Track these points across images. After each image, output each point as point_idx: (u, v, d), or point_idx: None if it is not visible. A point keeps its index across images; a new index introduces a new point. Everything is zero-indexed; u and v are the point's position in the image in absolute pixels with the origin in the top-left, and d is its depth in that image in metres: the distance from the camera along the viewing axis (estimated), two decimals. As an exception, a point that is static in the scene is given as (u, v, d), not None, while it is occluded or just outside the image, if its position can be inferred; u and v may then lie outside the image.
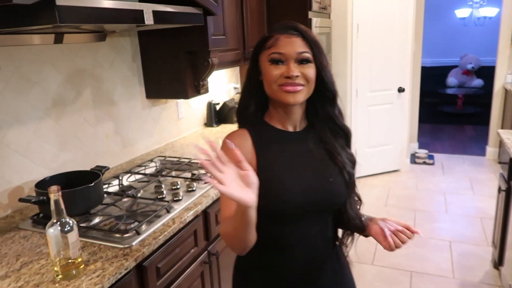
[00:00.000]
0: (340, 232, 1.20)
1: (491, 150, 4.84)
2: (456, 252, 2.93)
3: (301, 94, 1.01)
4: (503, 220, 2.39)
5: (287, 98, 1.01)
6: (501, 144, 2.45)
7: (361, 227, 1.13)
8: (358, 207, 1.16)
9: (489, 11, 6.59)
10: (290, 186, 1.02)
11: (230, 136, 1.07)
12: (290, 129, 1.10)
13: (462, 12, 7.00)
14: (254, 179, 0.84)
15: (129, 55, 2.21)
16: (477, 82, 7.38)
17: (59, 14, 1.16)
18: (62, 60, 1.80)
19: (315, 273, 1.11)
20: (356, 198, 1.16)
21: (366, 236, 1.15)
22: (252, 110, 1.10)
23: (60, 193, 1.11)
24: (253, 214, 0.87)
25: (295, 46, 1.00)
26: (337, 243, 1.19)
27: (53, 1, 1.14)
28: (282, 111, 1.07)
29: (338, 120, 1.09)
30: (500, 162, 2.51)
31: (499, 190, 2.50)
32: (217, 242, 1.83)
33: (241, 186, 0.82)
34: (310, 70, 1.01)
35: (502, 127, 4.58)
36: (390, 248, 1.04)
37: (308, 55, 1.00)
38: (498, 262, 2.52)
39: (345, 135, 1.12)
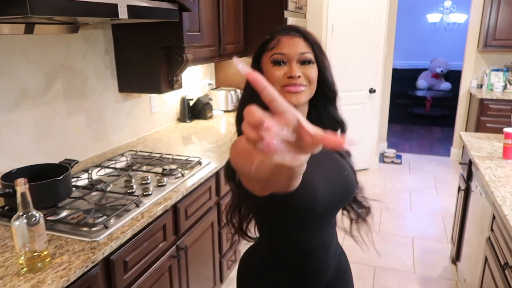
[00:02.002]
0: (346, 224, 1.22)
1: (455, 151, 5.04)
2: (418, 248, 3.06)
3: (303, 94, 1.01)
4: (461, 218, 2.52)
5: (290, 98, 0.98)
6: (463, 145, 2.57)
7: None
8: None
9: (459, 17, 6.82)
10: (319, 185, 0.99)
11: (238, 141, 0.94)
12: None
13: (433, 17, 7.21)
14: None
15: (102, 48, 2.20)
16: (446, 85, 7.64)
17: (31, 4, 1.16)
18: (33, 50, 1.77)
19: (326, 272, 1.12)
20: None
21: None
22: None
23: (27, 185, 1.12)
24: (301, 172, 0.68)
25: (297, 46, 1.00)
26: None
27: (24, -8, 1.13)
28: None
29: (339, 117, 1.11)
30: (461, 163, 2.64)
31: (459, 189, 2.63)
32: (186, 236, 1.85)
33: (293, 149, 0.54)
34: (312, 71, 1.01)
35: (466, 130, 4.78)
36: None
37: (310, 55, 1.01)
38: (456, 258, 2.65)
39: (343, 131, 1.14)
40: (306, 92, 1.01)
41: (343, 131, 1.13)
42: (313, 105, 1.08)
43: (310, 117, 1.10)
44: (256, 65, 1.06)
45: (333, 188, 1.03)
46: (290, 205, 0.95)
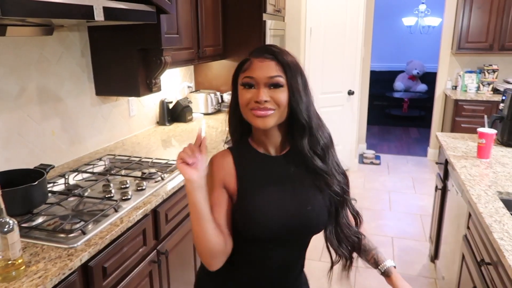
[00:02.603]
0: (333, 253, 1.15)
1: (432, 151, 5.15)
2: (398, 247, 3.11)
3: (271, 118, 0.99)
4: (438, 216, 2.58)
5: (257, 122, 1.00)
6: (440, 146, 2.63)
7: (365, 252, 1.19)
8: (354, 224, 1.17)
9: (433, 21, 7.00)
10: (268, 213, 1.02)
11: (214, 156, 1.10)
12: (272, 152, 1.09)
13: (408, 21, 7.37)
14: (202, 165, 0.95)
15: (78, 51, 2.15)
16: (422, 87, 7.82)
17: (2, 6, 1.12)
18: (5, 53, 1.72)
19: None
20: (352, 215, 1.16)
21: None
22: (237, 133, 1.11)
23: (0, 192, 1.08)
24: (200, 201, 0.94)
25: (267, 70, 0.99)
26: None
27: (-6, -7, 1.10)
28: (261, 134, 1.07)
29: (309, 155, 1.04)
30: (437, 163, 2.70)
31: (436, 188, 2.68)
32: (166, 241, 1.83)
33: (191, 167, 0.93)
34: (281, 95, 0.99)
35: (442, 130, 4.90)
36: None
37: (280, 79, 0.99)
38: (434, 256, 2.70)
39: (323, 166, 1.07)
40: (275, 116, 1.00)
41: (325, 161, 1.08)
42: (290, 131, 1.06)
43: (289, 143, 1.08)
44: (235, 85, 1.06)
45: (288, 223, 1.03)
46: (241, 228, 1.03)
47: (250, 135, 1.11)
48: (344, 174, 1.13)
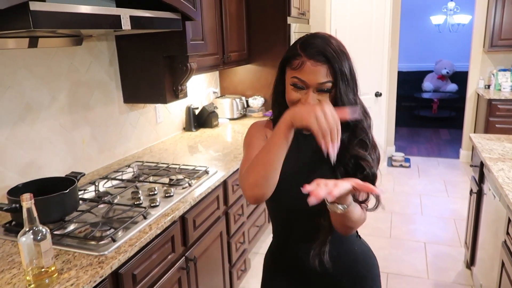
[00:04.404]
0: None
1: (464, 153, 4.98)
2: (431, 253, 3.00)
3: None
4: (474, 221, 2.47)
5: None
6: (473, 147, 2.53)
7: None
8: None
9: (463, 18, 6.78)
10: (286, 189, 1.04)
11: (256, 122, 1.19)
12: (306, 131, 1.04)
13: (437, 19, 7.17)
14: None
15: (106, 60, 2.20)
16: (452, 86, 7.58)
17: (33, 19, 1.15)
18: (37, 64, 1.77)
19: (309, 260, 1.13)
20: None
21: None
22: (276, 108, 1.13)
23: (32, 200, 1.10)
24: (289, 141, 0.93)
25: (318, 76, 0.98)
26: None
27: (27, 6, 1.13)
28: None
29: (346, 146, 1.03)
30: (471, 165, 2.60)
31: (471, 192, 2.58)
32: (195, 247, 1.83)
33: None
34: (329, 98, 1.01)
35: (475, 131, 4.72)
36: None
37: (330, 84, 0.99)
38: (470, 262, 2.59)
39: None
40: None
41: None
42: None
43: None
44: (281, 75, 1.08)
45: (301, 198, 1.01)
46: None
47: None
48: (378, 155, 1.12)
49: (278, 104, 1.12)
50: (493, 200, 2.02)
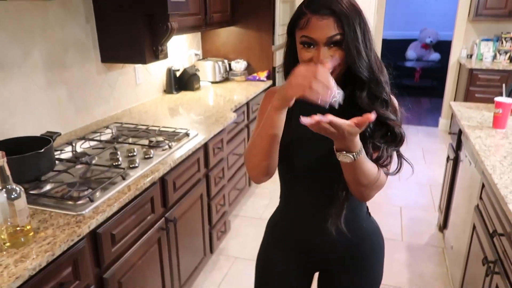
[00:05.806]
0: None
1: (443, 121, 5.06)
2: (406, 216, 3.10)
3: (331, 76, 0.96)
4: (449, 187, 2.54)
5: None
6: (452, 115, 2.56)
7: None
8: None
9: (449, -14, 6.72)
10: (299, 154, 1.07)
11: (270, 89, 1.16)
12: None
13: (423, -14, 7.10)
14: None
15: (82, 16, 2.09)
16: (435, 56, 7.60)
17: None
18: (7, 18, 1.67)
19: (313, 228, 1.15)
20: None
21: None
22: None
23: (5, 159, 1.07)
24: (283, 120, 0.94)
25: (326, 30, 0.94)
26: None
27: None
28: None
29: (367, 109, 0.98)
30: (450, 133, 2.64)
31: (448, 159, 2.64)
32: (175, 209, 1.83)
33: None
34: (342, 52, 0.97)
35: (455, 100, 4.79)
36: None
37: (339, 36, 0.95)
38: (443, 226, 2.69)
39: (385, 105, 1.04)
40: (335, 73, 0.97)
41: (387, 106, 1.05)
42: (350, 85, 1.01)
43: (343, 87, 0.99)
44: (291, 39, 1.04)
45: (314, 163, 1.08)
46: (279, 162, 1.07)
47: None
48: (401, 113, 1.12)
49: (289, 67, 1.04)
50: (469, 166, 2.07)
